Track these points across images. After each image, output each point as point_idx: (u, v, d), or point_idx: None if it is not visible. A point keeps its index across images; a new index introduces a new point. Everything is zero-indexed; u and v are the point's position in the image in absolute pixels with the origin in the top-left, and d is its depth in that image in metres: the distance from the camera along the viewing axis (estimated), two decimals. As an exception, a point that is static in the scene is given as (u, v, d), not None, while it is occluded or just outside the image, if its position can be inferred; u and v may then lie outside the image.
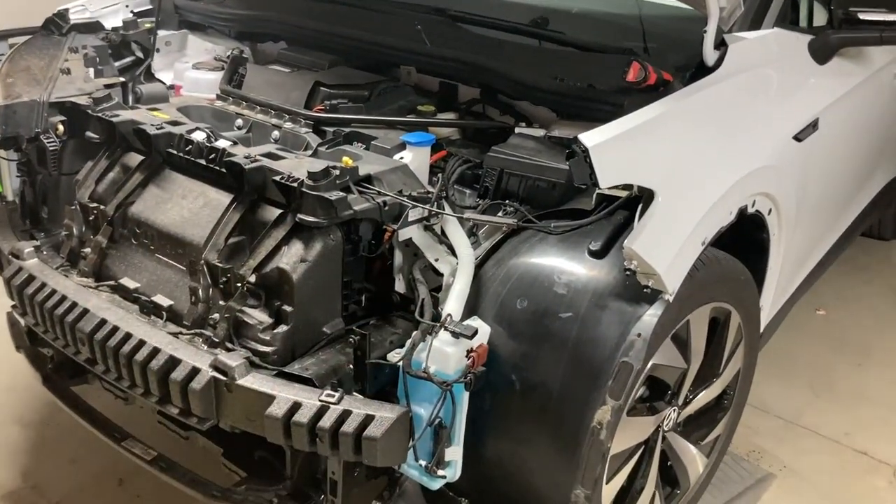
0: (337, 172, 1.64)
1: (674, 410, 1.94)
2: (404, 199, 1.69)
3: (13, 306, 2.00)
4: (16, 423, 2.68)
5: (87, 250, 1.91)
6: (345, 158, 1.70)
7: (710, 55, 1.82)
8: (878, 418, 2.92)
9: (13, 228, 2.09)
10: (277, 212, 1.68)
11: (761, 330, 2.33)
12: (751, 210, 1.85)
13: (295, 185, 1.61)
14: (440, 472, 1.65)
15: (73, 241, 1.94)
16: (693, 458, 2.08)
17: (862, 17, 2.17)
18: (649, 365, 1.71)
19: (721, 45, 1.85)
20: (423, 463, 1.64)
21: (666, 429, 1.95)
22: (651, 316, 1.57)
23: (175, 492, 2.01)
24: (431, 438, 1.64)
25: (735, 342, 2.04)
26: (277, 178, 1.64)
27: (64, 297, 1.78)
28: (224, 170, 1.74)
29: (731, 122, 1.80)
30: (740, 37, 1.90)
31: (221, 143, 1.80)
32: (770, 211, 1.98)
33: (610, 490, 1.78)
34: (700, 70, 1.83)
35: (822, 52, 2.21)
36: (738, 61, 1.85)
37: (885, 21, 2.15)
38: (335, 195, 1.60)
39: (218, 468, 1.88)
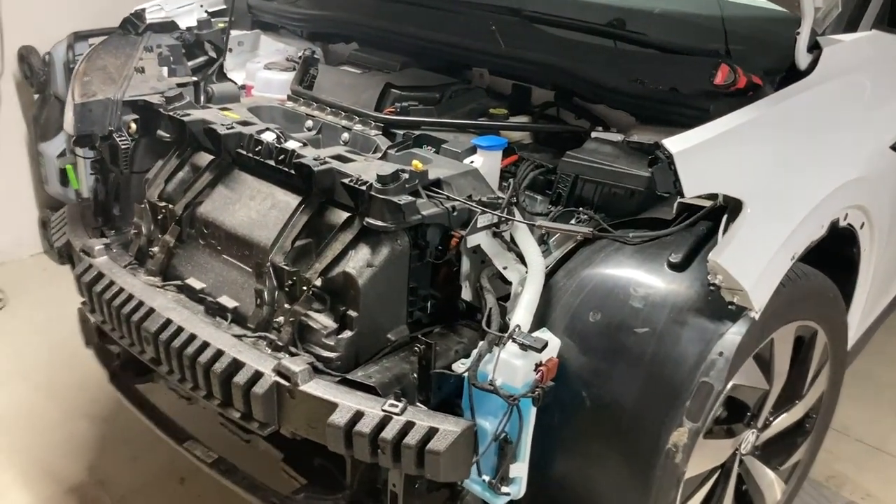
0: (406, 176, 1.59)
1: (752, 433, 1.84)
2: (473, 204, 1.63)
3: (83, 303, 2.01)
4: (84, 418, 2.72)
5: (155, 249, 1.91)
6: (414, 162, 1.65)
7: (802, 58, 1.71)
8: (970, 447, 2.75)
9: (86, 226, 2.10)
10: (345, 215, 1.65)
11: (848, 346, 2.21)
12: (843, 223, 1.74)
13: (363, 188, 1.57)
14: (504, 489, 1.59)
15: (141, 240, 1.94)
16: (770, 484, 1.97)
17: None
18: (729, 385, 1.61)
19: (814, 47, 1.74)
20: (486, 478, 1.58)
21: (743, 452, 1.85)
22: (735, 334, 1.48)
23: (233, 500, 2.00)
24: (496, 454, 1.57)
25: (820, 363, 1.92)
26: (346, 180, 1.60)
27: (131, 296, 1.78)
28: (293, 171, 1.71)
29: (825, 129, 1.68)
30: (836, 39, 1.79)
31: (291, 145, 1.77)
32: (863, 225, 1.86)
33: (682, 516, 1.69)
34: (791, 74, 1.73)
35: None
36: (832, 65, 1.74)
37: None
38: (404, 199, 1.55)
39: (278, 474, 1.85)
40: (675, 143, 1.38)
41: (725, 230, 1.43)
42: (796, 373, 1.87)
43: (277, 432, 1.64)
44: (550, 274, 1.66)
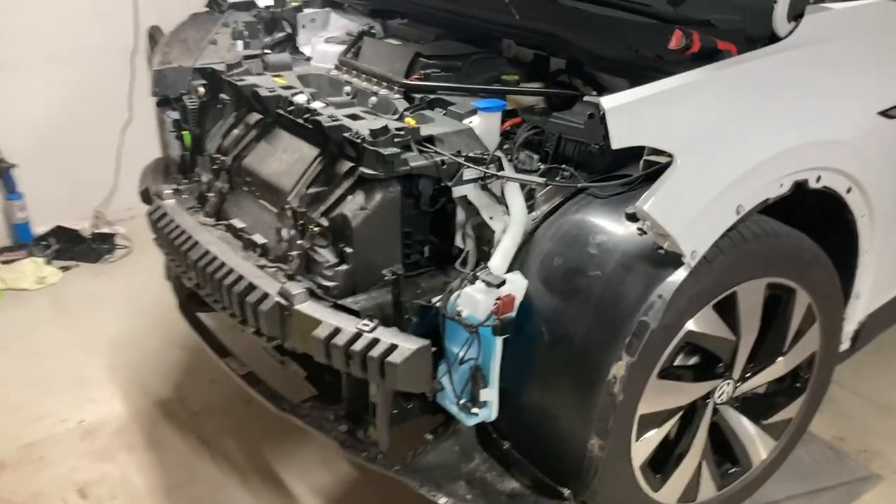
0: (397, 130, 1.82)
1: (728, 384, 1.94)
2: (459, 158, 1.84)
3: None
4: (178, 347, 3.15)
5: (211, 194, 2.25)
6: (407, 119, 1.88)
7: (781, 26, 1.79)
8: None
9: (164, 175, 2.48)
10: (348, 164, 1.90)
11: (863, 316, 2.24)
12: (815, 185, 1.80)
13: (357, 140, 1.82)
14: (474, 410, 1.81)
15: (202, 187, 2.29)
16: (752, 438, 2.06)
17: None
18: (684, 331, 1.74)
19: (799, 15, 1.81)
20: (463, 401, 1.81)
21: (719, 401, 1.96)
22: (674, 279, 1.62)
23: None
24: (469, 380, 1.80)
25: (805, 323, 1.98)
26: (346, 134, 1.85)
27: (183, 231, 2.13)
28: (312, 127, 1.98)
29: (786, 92, 1.75)
30: (824, 7, 1.85)
31: (316, 105, 2.04)
32: (849, 190, 1.90)
33: (641, 450, 1.83)
34: (773, 41, 1.81)
35: (942, 26, 2.06)
36: (814, 33, 1.80)
37: None
38: (391, 151, 1.78)
39: (303, 393, 2.16)
40: (610, 100, 1.53)
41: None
42: (775, 330, 1.95)
43: (306, 356, 1.93)
44: (537, 226, 1.85)
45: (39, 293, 3.55)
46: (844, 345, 2.29)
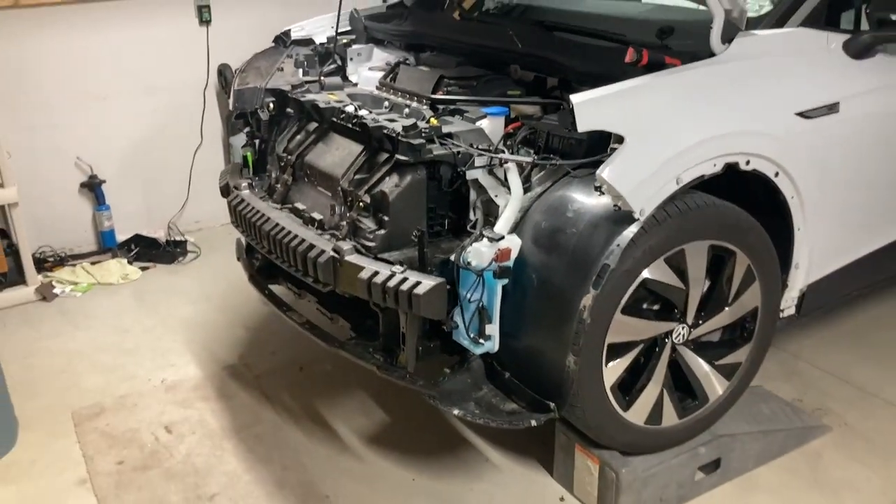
0: (423, 127, 2.41)
1: (682, 327, 2.45)
2: (472, 149, 2.41)
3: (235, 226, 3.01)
4: (243, 326, 3.74)
5: (279, 186, 2.85)
6: (431, 119, 2.47)
7: (717, 46, 2.35)
8: (964, 400, 3.09)
9: (240, 175, 3.10)
10: (386, 155, 2.49)
11: (803, 284, 2.74)
12: (745, 167, 2.33)
13: (394, 134, 2.40)
14: (481, 342, 2.34)
15: (271, 180, 2.90)
16: (707, 375, 2.55)
17: (894, 17, 2.54)
18: (641, 277, 2.26)
19: (731, 39, 2.37)
20: (472, 335, 2.35)
21: (677, 341, 2.46)
22: (628, 232, 2.16)
23: (336, 380, 2.92)
24: (476, 316, 2.34)
25: (746, 280, 2.49)
26: (385, 130, 2.44)
27: (258, 212, 2.72)
28: (358, 129, 2.58)
29: (717, 93, 2.29)
30: (751, 33, 2.41)
31: (362, 113, 2.64)
32: (777, 174, 2.43)
33: (611, 373, 2.34)
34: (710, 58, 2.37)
35: (856, 49, 2.60)
36: (742, 51, 2.36)
37: (914, 21, 2.51)
38: (419, 142, 2.36)
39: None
40: (576, 97, 2.10)
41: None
42: (719, 284, 2.47)
43: (350, 315, 2.48)
44: (531, 204, 2.40)
45: (124, 287, 4.18)
46: (790, 310, 2.79)
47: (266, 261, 3.05)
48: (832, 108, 2.52)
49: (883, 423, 2.98)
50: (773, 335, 2.69)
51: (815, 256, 2.72)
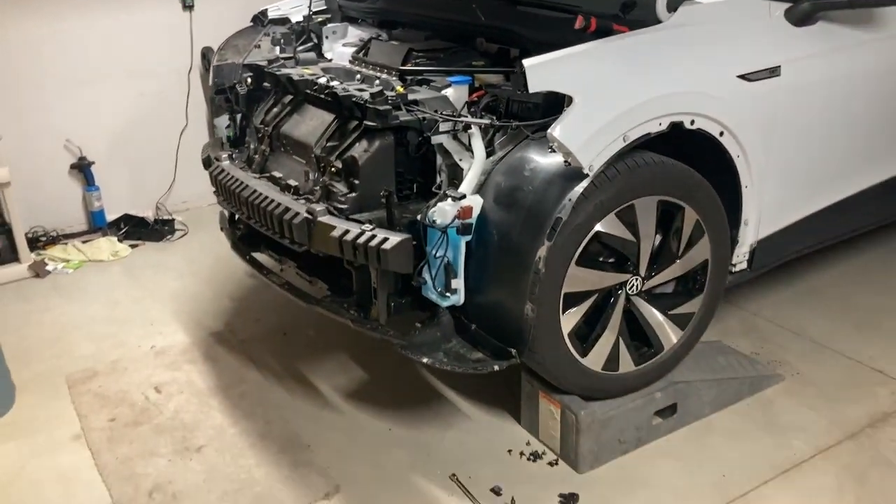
0: (390, 95, 2.56)
1: (636, 279, 2.62)
2: (436, 115, 2.56)
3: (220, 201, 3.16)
4: (227, 297, 3.90)
5: (257, 156, 3.01)
6: (397, 87, 2.62)
7: (662, 14, 2.52)
8: (912, 354, 3.27)
9: (220, 148, 3.25)
10: (356, 122, 2.64)
11: (753, 240, 2.91)
12: (689, 126, 2.50)
13: (362, 102, 2.56)
14: (447, 295, 2.51)
15: (250, 151, 3.06)
16: (661, 324, 2.72)
17: (832, -15, 2.71)
18: (594, 230, 2.43)
19: (674, 8, 2.54)
20: (439, 290, 2.52)
21: (630, 292, 2.63)
22: (579, 187, 2.32)
23: (317, 344, 3.10)
24: (442, 271, 2.51)
25: (695, 234, 2.66)
26: (354, 98, 2.60)
27: (237, 180, 2.88)
28: (330, 98, 2.73)
29: (659, 56, 2.45)
30: (695, 2, 2.57)
31: (333, 84, 2.80)
32: (722, 134, 2.60)
33: (568, 321, 2.51)
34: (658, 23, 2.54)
35: (797, 17, 2.77)
36: (687, 18, 2.52)
37: (851, -12, 2.68)
38: (385, 108, 2.52)
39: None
40: (528, 61, 2.26)
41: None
42: (670, 238, 2.64)
43: (328, 277, 2.64)
44: (494, 166, 2.56)
45: (114, 263, 4.34)
46: (742, 265, 2.97)
47: (248, 230, 3.21)
48: (773, 72, 2.68)
49: (832, 372, 3.17)
50: (723, 288, 2.86)
51: (763, 213, 2.89)
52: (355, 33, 3.62)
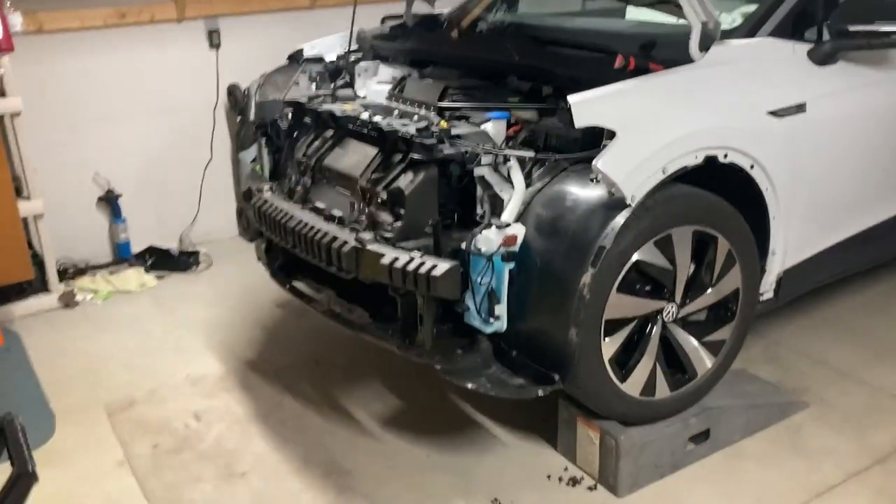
0: (435, 129, 2.67)
1: (672, 305, 2.71)
2: (478, 148, 2.67)
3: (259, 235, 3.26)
4: (257, 326, 3.97)
5: (299, 188, 3.11)
6: (441, 122, 2.74)
7: (695, 54, 2.64)
8: (934, 382, 3.35)
9: (260, 181, 3.35)
10: (400, 155, 2.75)
11: (780, 270, 3.01)
12: (723, 160, 2.61)
13: (408, 136, 2.67)
14: (491, 321, 2.59)
15: (291, 183, 3.15)
16: (695, 350, 2.81)
17: (851, 29, 2.85)
18: (634, 258, 2.53)
19: (707, 48, 2.67)
20: (482, 316, 2.60)
21: (667, 319, 2.72)
22: (621, 217, 2.42)
23: (351, 373, 3.16)
24: (486, 298, 2.59)
25: (727, 264, 2.76)
26: (400, 133, 2.71)
27: (282, 211, 2.98)
28: (374, 133, 2.84)
29: (695, 93, 2.58)
30: (725, 42, 2.71)
31: (376, 119, 2.91)
32: (752, 167, 2.71)
33: (609, 347, 2.60)
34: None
35: (819, 57, 2.91)
36: (717, 58, 2.65)
37: (869, 31, 2.82)
38: (431, 142, 2.62)
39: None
40: (573, 97, 2.37)
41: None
42: (704, 266, 2.73)
43: (368, 304, 2.73)
44: (532, 198, 2.66)
45: (142, 294, 4.41)
46: (769, 294, 3.06)
47: (286, 259, 3.30)
48: (800, 108, 2.81)
49: (857, 400, 3.25)
50: (753, 316, 2.96)
51: (789, 244, 2.99)
52: (387, 72, 3.74)
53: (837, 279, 3.48)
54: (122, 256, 4.71)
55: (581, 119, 2.37)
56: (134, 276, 4.49)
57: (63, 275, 4.42)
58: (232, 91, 4.86)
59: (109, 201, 4.66)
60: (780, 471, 2.84)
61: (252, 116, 3.33)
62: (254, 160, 4.85)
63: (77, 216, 4.61)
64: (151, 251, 4.77)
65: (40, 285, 4.22)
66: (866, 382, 3.36)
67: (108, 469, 2.92)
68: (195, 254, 4.80)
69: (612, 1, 4.02)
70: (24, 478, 1.40)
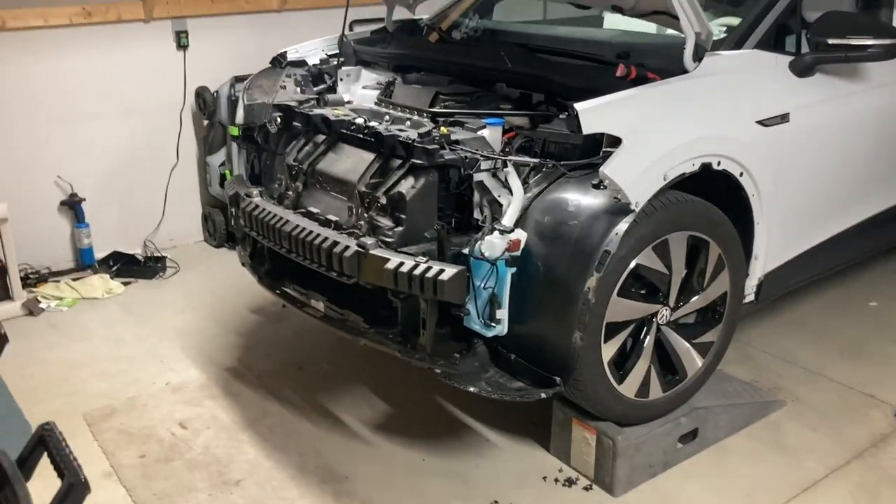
0: (435, 135, 2.69)
1: (666, 309, 2.78)
2: (477, 154, 2.70)
3: (242, 238, 3.21)
4: (232, 333, 3.91)
5: (290, 192, 3.08)
6: (442, 129, 2.75)
7: (689, 65, 2.73)
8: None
9: (246, 185, 3.30)
10: (399, 160, 2.75)
11: (761, 273, 3.12)
12: (717, 167, 2.70)
13: (409, 141, 2.68)
14: (492, 325, 2.62)
15: (282, 188, 3.12)
16: (687, 352, 2.89)
17: (830, 42, 2.98)
18: (633, 263, 2.59)
19: (700, 59, 2.75)
20: (484, 320, 2.62)
21: (661, 322, 2.79)
22: (625, 222, 2.48)
23: (335, 377, 3.13)
24: (488, 303, 2.62)
25: (717, 268, 2.85)
26: (401, 137, 2.71)
27: (276, 215, 2.94)
28: (372, 138, 2.84)
29: (692, 103, 2.67)
30: (716, 53, 2.80)
31: (373, 123, 2.91)
32: (741, 174, 2.81)
33: (608, 350, 2.65)
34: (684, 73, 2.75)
35: (800, 69, 3.03)
36: (709, 68, 2.74)
37: (847, 45, 2.95)
38: (433, 147, 2.64)
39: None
40: (580, 105, 2.42)
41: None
42: (696, 271, 2.82)
43: (363, 308, 2.72)
44: (532, 201, 2.70)
45: (109, 301, 4.29)
46: (750, 297, 3.17)
47: (272, 265, 3.26)
48: (784, 118, 2.92)
49: (829, 397, 3.38)
50: (738, 317, 3.06)
51: (771, 248, 3.11)
52: (369, 76, 3.74)
53: (812, 281, 3.62)
54: (85, 262, 4.57)
55: (588, 126, 2.42)
56: (100, 283, 4.36)
57: (24, 281, 4.27)
58: (201, 93, 4.78)
59: (72, 205, 4.52)
60: (765, 467, 2.94)
61: (241, 120, 3.28)
62: (222, 164, 4.80)
63: (38, 221, 4.46)
64: (116, 257, 4.65)
65: (3, 292, 4.07)
66: (836, 380, 3.50)
67: (95, 480, 2.82)
68: (162, 259, 4.70)
69: (574, 10, 4.06)
70: (76, 487, 1.36)
